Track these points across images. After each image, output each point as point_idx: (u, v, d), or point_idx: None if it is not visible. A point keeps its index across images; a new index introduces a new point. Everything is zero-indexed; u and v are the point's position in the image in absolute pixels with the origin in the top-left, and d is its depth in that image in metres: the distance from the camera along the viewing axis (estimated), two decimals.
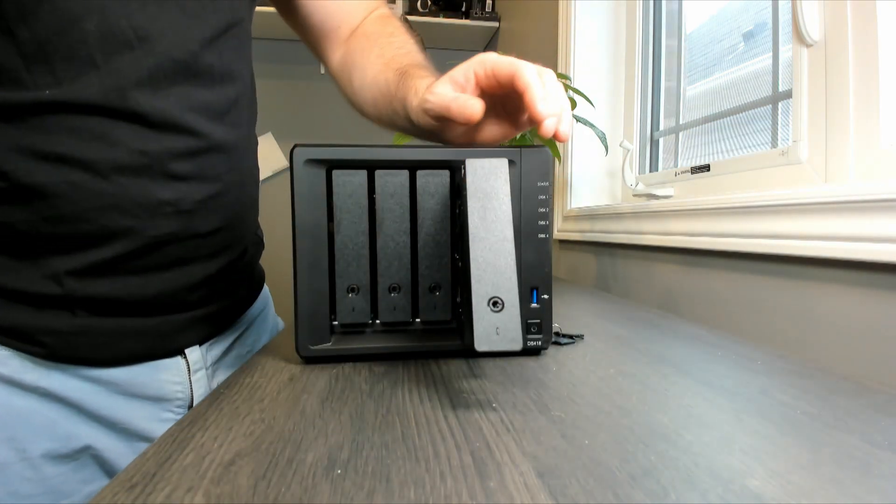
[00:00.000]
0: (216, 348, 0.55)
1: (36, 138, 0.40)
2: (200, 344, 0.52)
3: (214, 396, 0.33)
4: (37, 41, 0.39)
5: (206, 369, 0.53)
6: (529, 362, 0.41)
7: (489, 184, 0.34)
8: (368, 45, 0.59)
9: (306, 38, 0.64)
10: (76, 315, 0.43)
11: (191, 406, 0.51)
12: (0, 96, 0.39)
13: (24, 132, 0.40)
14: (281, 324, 0.68)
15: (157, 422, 0.49)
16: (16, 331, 0.42)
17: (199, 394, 0.52)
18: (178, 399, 0.51)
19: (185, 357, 0.51)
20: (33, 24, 0.39)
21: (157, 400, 0.49)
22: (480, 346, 0.29)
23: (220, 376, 0.55)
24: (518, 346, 0.29)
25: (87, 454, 0.46)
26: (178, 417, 0.43)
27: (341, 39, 0.62)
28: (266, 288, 0.65)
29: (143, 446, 0.39)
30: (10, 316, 0.42)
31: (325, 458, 0.24)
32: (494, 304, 0.30)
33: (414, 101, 0.46)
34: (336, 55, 0.63)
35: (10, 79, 0.39)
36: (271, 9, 0.63)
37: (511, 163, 0.41)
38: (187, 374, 0.51)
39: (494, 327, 0.29)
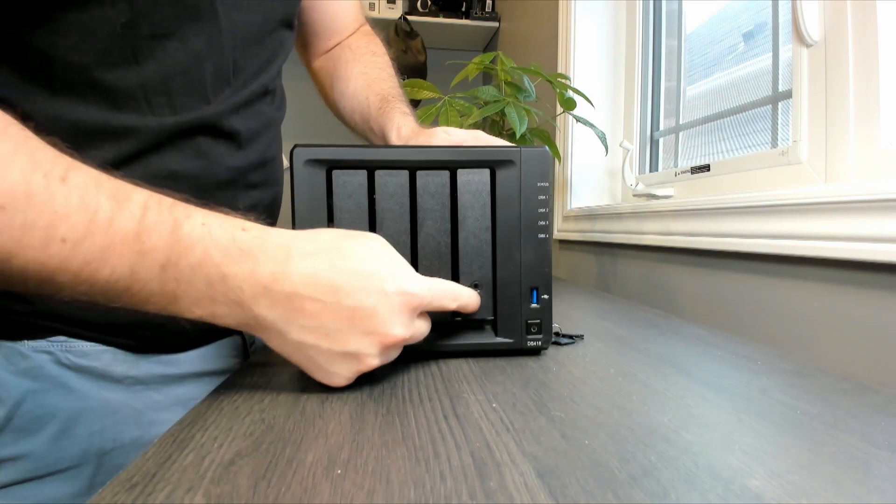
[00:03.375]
0: None
1: (153, 158, 0.43)
2: None
3: (214, 396, 0.33)
4: (162, 75, 0.42)
5: (255, 341, 0.60)
6: (529, 362, 0.41)
7: (471, 193, 0.42)
8: (353, 58, 0.69)
9: (297, 36, 0.72)
10: None
11: None
12: (120, 120, 0.41)
13: (142, 153, 0.43)
14: None
15: None
16: (113, 327, 0.45)
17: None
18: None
19: (242, 333, 0.56)
20: (162, 59, 0.41)
21: (223, 373, 0.54)
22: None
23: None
24: (489, 316, 0.42)
25: None
26: None
27: (329, 46, 0.72)
28: None
29: None
30: (110, 313, 0.44)
31: (325, 458, 0.24)
32: (475, 286, 0.41)
33: (393, 137, 0.59)
34: (320, 59, 0.73)
35: (128, 106, 0.41)
36: None
37: (510, 163, 0.41)
38: (244, 347, 0.57)
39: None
